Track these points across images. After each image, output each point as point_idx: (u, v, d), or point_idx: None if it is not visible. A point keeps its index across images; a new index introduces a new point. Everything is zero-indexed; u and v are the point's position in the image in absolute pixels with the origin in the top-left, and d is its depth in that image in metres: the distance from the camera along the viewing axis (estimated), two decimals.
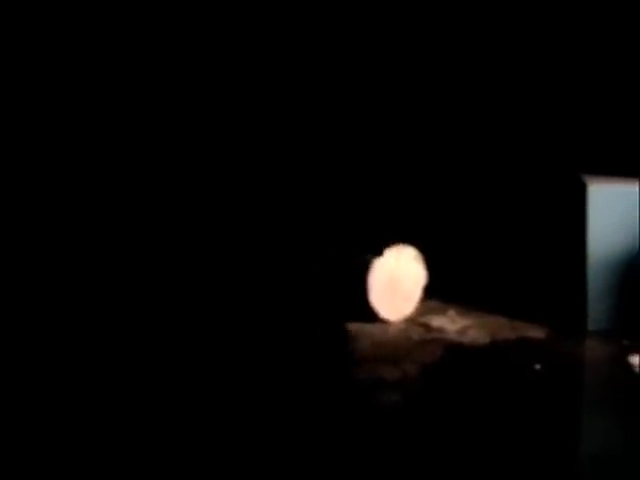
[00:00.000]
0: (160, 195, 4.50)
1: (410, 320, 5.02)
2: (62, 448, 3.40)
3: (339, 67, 5.60)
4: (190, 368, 4.14)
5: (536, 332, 4.82)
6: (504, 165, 5.55)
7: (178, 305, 4.81)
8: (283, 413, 3.77)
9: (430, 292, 5.16)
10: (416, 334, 4.85)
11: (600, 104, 5.31)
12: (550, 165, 5.36)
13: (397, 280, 5.02)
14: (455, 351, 4.64)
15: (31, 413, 3.65)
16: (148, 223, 4.49)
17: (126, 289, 4.68)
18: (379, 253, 4.99)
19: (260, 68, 4.76)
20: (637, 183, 4.78)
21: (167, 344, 4.38)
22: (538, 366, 4.40)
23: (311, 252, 5.21)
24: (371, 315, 4.94)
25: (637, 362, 4.41)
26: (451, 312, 5.09)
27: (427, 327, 4.93)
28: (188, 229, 4.80)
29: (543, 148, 5.42)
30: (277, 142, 4.92)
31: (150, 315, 4.64)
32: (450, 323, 4.97)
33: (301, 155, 5.07)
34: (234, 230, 4.78)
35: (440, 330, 4.88)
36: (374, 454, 3.60)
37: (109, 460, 3.38)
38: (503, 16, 5.41)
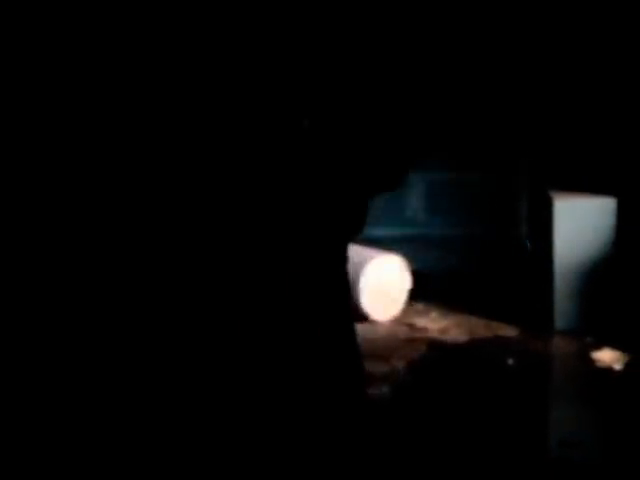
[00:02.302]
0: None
1: (397, 321, 5.08)
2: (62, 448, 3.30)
3: None
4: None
5: (509, 331, 4.91)
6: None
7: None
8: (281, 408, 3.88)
9: (414, 295, 5.20)
10: (402, 333, 4.94)
11: (567, 125, 5.33)
12: (523, 182, 5.42)
13: (385, 285, 5.09)
14: (437, 348, 4.75)
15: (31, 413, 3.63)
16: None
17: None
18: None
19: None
20: (599, 199, 4.87)
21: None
22: (511, 361, 4.52)
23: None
24: (362, 316, 4.98)
25: (598, 357, 4.51)
26: (433, 313, 5.19)
27: (412, 327, 5.02)
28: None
29: (515, 166, 5.47)
30: None
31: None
32: (433, 323, 5.07)
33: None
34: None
35: (424, 329, 4.98)
36: (366, 440, 3.85)
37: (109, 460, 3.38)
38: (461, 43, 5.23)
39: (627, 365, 4.43)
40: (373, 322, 5.06)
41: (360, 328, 4.61)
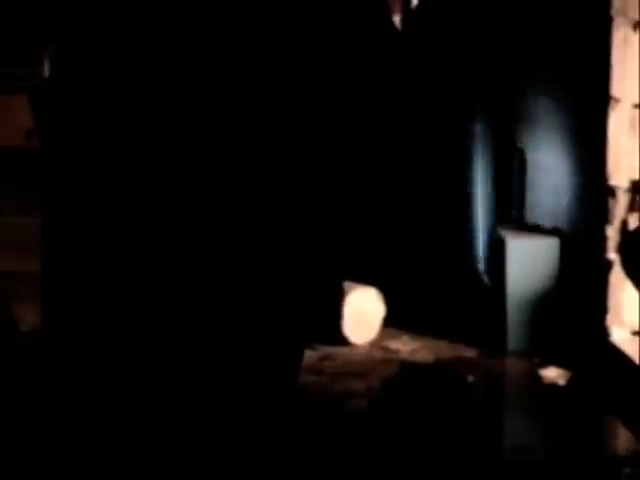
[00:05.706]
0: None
1: (373, 344, 5.35)
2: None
3: None
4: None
5: (469, 352, 5.18)
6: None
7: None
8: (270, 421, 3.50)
9: (388, 322, 5.47)
10: (378, 355, 5.21)
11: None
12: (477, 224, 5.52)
13: (363, 312, 5.39)
14: (408, 367, 5.02)
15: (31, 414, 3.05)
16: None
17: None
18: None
19: None
20: (545, 238, 5.20)
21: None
22: (471, 378, 4.83)
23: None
24: (343, 340, 5.32)
25: (545, 374, 4.79)
26: (405, 337, 5.46)
27: (386, 349, 5.29)
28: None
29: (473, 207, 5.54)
30: None
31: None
32: (404, 346, 5.33)
33: None
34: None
35: (396, 351, 5.25)
36: (346, 449, 3.93)
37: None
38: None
39: (569, 381, 4.73)
40: (352, 345, 5.37)
41: (341, 351, 5.19)
